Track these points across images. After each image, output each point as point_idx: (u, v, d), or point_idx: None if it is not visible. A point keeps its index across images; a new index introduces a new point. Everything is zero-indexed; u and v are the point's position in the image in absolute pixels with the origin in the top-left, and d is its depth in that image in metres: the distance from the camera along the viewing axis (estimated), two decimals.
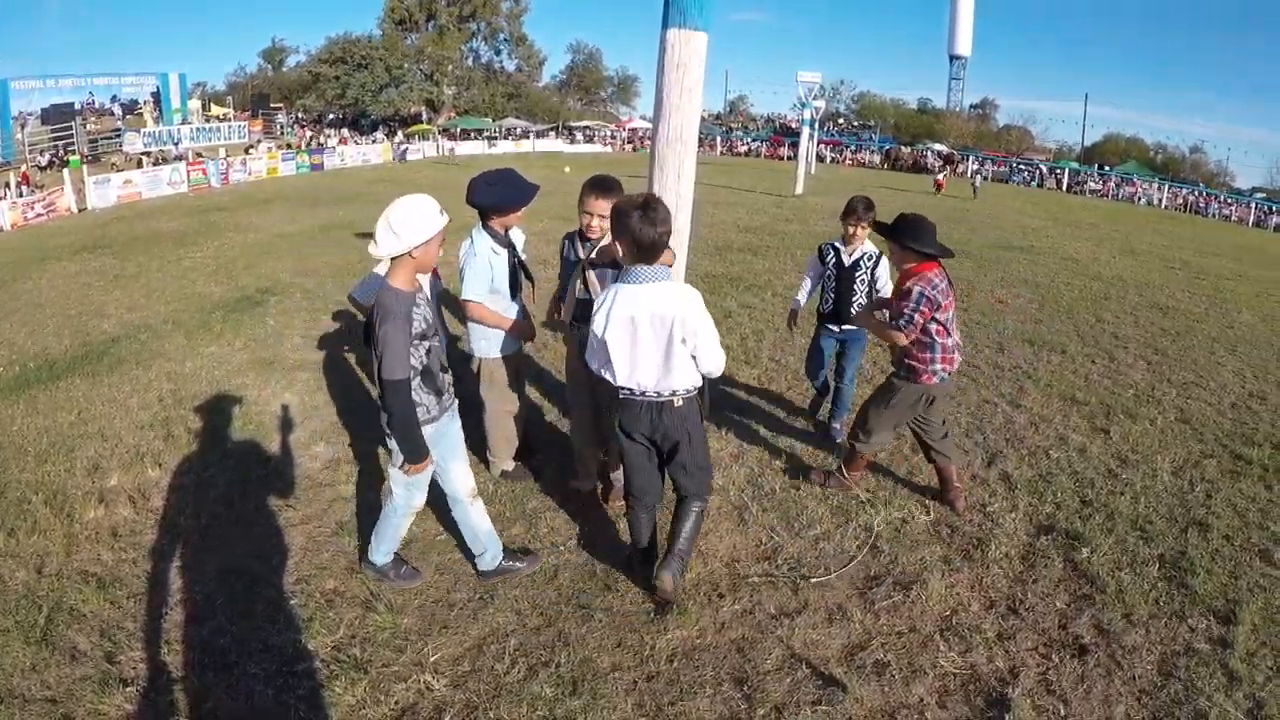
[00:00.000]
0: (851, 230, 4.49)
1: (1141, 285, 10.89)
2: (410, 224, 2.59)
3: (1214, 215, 38.54)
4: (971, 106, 66.41)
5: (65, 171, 17.83)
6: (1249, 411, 5.70)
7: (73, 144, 27.19)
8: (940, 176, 31.46)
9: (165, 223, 13.87)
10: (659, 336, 2.76)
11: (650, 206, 2.72)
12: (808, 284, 4.82)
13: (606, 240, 3.36)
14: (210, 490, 3.86)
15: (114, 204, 18.22)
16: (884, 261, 4.49)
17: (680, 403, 2.90)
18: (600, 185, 3.46)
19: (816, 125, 31.31)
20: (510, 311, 3.75)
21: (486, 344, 3.79)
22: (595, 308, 2.88)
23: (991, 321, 7.94)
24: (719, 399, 5.31)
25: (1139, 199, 41.17)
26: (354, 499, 3.86)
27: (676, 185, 3.65)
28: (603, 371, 2.92)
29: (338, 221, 13.59)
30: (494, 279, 3.61)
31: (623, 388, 2.89)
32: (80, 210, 17.24)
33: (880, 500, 4.04)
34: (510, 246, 3.71)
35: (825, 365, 4.89)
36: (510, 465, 4.06)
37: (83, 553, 3.32)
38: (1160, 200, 40.57)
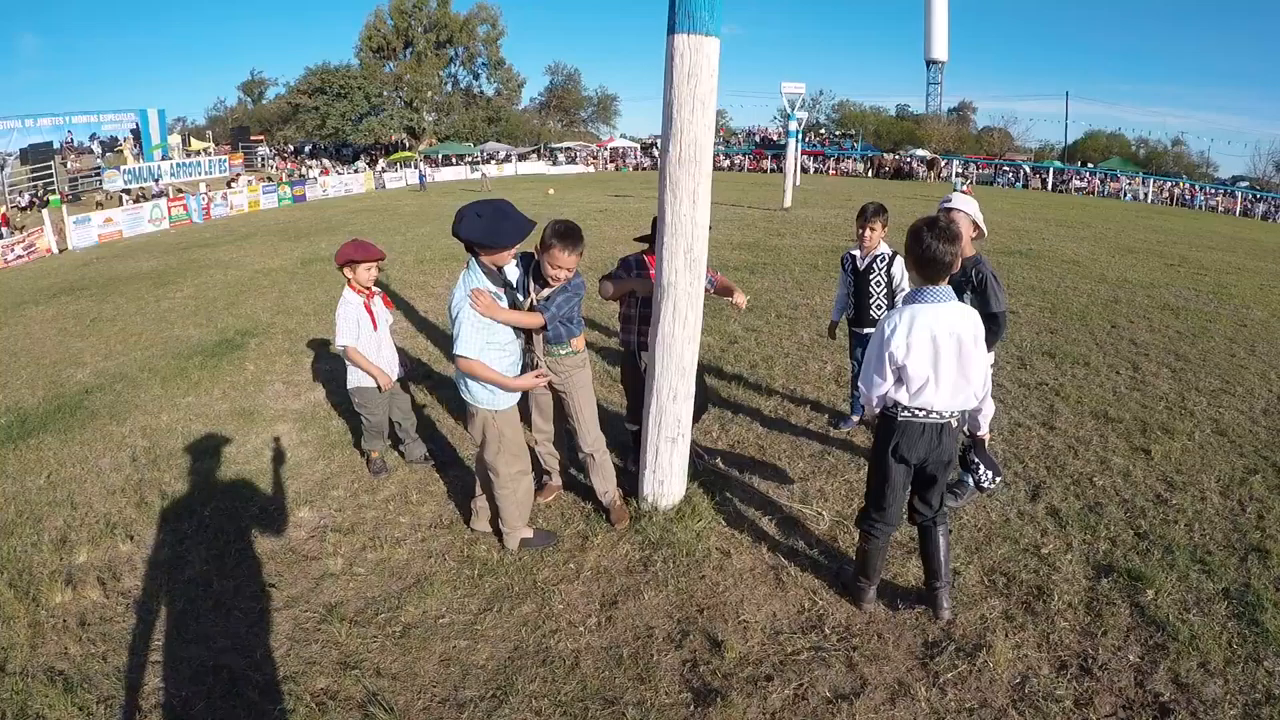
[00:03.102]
0: (862, 233, 4.60)
1: (1147, 286, 10.70)
2: None
3: (1200, 206, 38.82)
4: (950, 110, 67.00)
5: (45, 212, 17.37)
6: None
7: (52, 183, 26.70)
8: (965, 186, 33.21)
9: (145, 262, 13.48)
10: (955, 355, 2.78)
11: (941, 226, 2.76)
12: (840, 293, 4.98)
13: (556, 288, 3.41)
14: (186, 569, 3.49)
15: (95, 243, 17.82)
16: (898, 260, 4.54)
17: (956, 424, 2.96)
18: (569, 238, 3.30)
19: (801, 138, 31.29)
20: (514, 357, 3.35)
21: (490, 396, 3.31)
22: (890, 332, 2.79)
23: (1008, 334, 7.64)
24: (742, 438, 5.01)
25: (1125, 194, 41.36)
26: (343, 574, 3.47)
27: (692, 212, 3.33)
28: (882, 393, 2.89)
29: (319, 254, 13.22)
30: (493, 329, 3.20)
31: (910, 408, 2.86)
32: (61, 250, 16.81)
33: None
34: (508, 285, 3.33)
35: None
36: (529, 532, 3.64)
37: (49, 645, 2.99)
38: (1146, 195, 40.72)
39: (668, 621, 3.14)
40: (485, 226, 3.10)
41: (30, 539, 3.78)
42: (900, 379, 2.82)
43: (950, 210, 3.80)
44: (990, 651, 2.96)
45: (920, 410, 2.86)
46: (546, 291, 3.40)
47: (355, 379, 4.30)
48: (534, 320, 3.33)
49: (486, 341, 3.18)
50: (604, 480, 3.78)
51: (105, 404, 5.74)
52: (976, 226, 3.80)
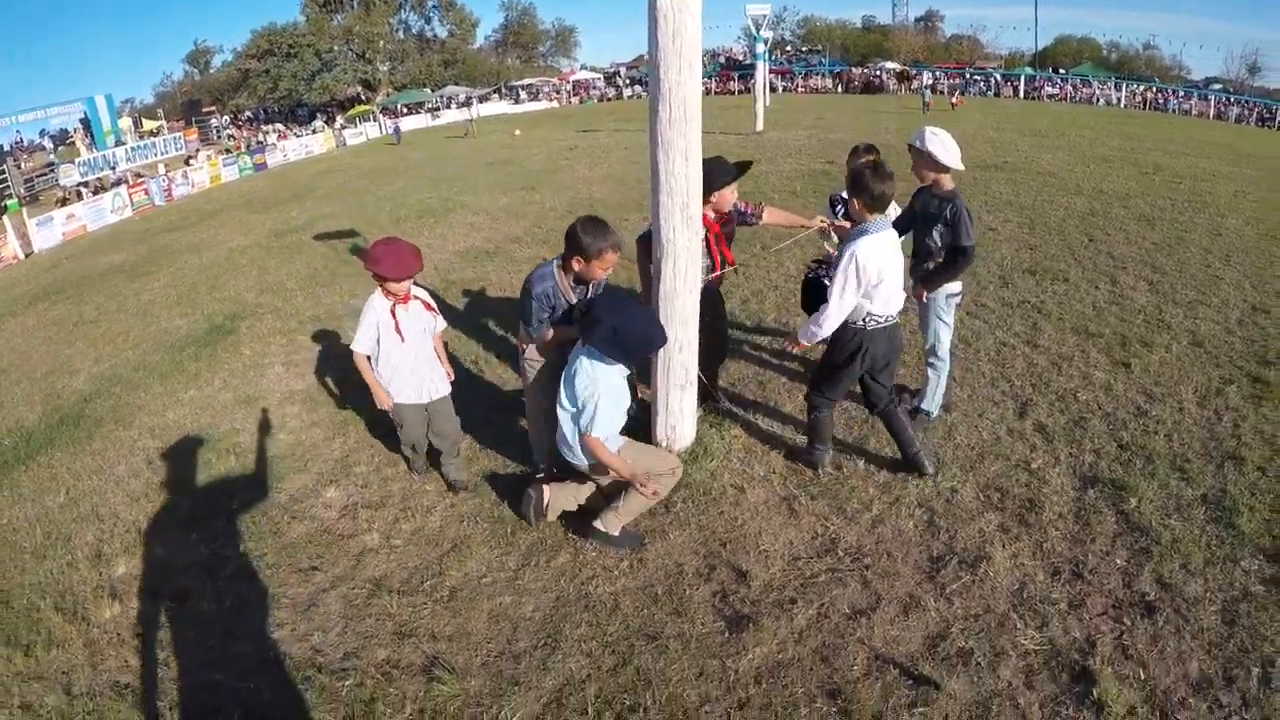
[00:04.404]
0: None
1: (1123, 196, 10.82)
2: None
3: (1174, 111, 38.60)
4: (917, 20, 65.74)
5: (4, 218, 16.69)
6: (1256, 328, 5.69)
7: (8, 187, 25.59)
8: (955, 98, 34.58)
9: (115, 255, 13.11)
10: (899, 269, 3.47)
11: (881, 166, 3.39)
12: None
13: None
14: (226, 565, 3.57)
15: (60, 242, 17.20)
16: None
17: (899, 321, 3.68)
18: (614, 235, 3.32)
19: (768, 57, 30.58)
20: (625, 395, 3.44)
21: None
22: (855, 261, 3.31)
23: (988, 252, 7.81)
24: (742, 374, 5.17)
25: (1098, 100, 41.03)
26: (382, 548, 3.63)
27: (685, 169, 3.41)
28: (851, 308, 3.45)
29: (291, 225, 12.98)
30: (619, 392, 3.30)
31: (878, 317, 3.48)
32: (27, 255, 16.21)
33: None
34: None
35: None
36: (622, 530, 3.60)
37: (109, 661, 3.03)
38: (1119, 100, 40.43)
39: (694, 558, 3.37)
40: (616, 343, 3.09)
41: (65, 558, 3.76)
42: (869, 295, 3.41)
43: (911, 149, 3.92)
44: (990, 562, 3.22)
45: (884, 317, 3.50)
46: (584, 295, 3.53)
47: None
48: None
49: (614, 403, 3.21)
50: None
51: (107, 410, 5.65)
52: (938, 164, 3.81)
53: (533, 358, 3.70)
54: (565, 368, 3.38)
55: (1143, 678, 2.64)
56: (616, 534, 3.44)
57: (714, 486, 3.84)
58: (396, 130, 33.83)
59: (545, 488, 3.57)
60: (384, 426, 3.62)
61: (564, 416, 3.30)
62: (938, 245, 3.91)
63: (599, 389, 3.10)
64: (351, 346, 3.69)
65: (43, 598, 3.44)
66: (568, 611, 3.09)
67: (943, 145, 3.80)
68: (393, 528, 3.77)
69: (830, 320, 3.48)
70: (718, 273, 4.06)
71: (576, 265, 3.31)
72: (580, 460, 3.35)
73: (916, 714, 2.55)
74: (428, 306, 3.79)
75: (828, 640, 2.87)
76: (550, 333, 3.53)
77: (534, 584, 3.27)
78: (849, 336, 3.57)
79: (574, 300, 3.46)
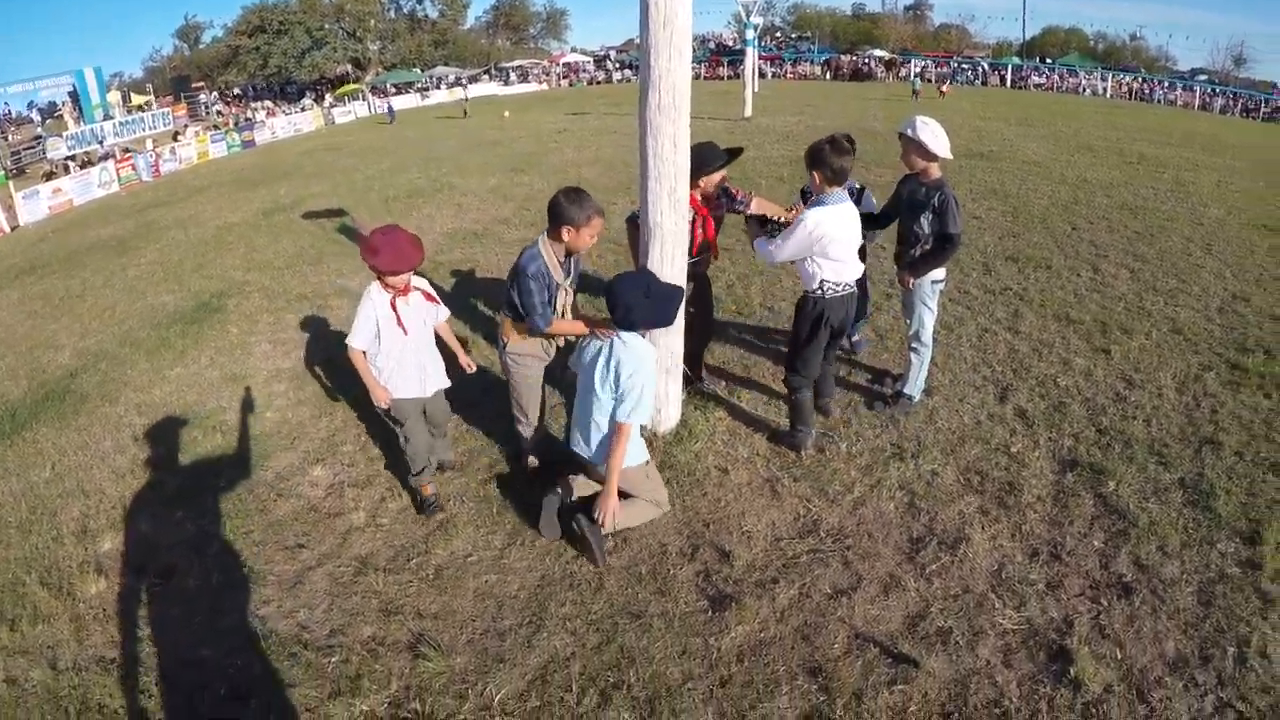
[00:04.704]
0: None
1: (1106, 185, 10.91)
2: None
3: (1159, 101, 38.85)
4: (906, 8, 65.62)
5: None
6: (1236, 316, 5.78)
7: None
8: (944, 86, 34.98)
9: (102, 229, 12.94)
10: (855, 240, 3.68)
11: (838, 142, 3.50)
12: None
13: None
14: (212, 542, 3.58)
15: (47, 215, 16.96)
16: (867, 191, 4.97)
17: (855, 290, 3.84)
18: (596, 203, 3.31)
19: (758, 43, 30.55)
20: None
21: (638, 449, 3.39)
22: (804, 225, 3.52)
23: (972, 240, 7.87)
24: (727, 358, 5.20)
25: (1084, 90, 41.23)
26: (368, 526, 3.65)
27: (674, 155, 3.43)
28: (784, 260, 3.72)
29: (280, 204, 12.86)
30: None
31: (838, 284, 3.67)
32: (13, 229, 15.95)
33: (907, 453, 3.99)
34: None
35: None
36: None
37: (94, 636, 3.03)
38: (1105, 90, 40.65)
39: (678, 538, 3.42)
40: (653, 307, 3.20)
41: (50, 534, 3.76)
42: (820, 261, 3.61)
43: (901, 137, 3.95)
44: (969, 543, 3.29)
45: (840, 285, 3.68)
46: (570, 270, 3.48)
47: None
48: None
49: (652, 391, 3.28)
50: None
51: (93, 385, 5.63)
52: (928, 152, 3.84)
53: (519, 351, 3.56)
54: (578, 356, 3.39)
55: (1119, 657, 2.70)
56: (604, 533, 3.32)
57: (698, 468, 3.88)
58: (390, 109, 33.49)
59: (570, 481, 3.55)
60: (370, 405, 3.59)
61: (598, 407, 3.20)
62: (925, 232, 3.95)
63: (646, 372, 3.11)
64: (347, 341, 3.39)
65: (28, 573, 3.44)
66: (553, 590, 3.12)
67: (933, 134, 3.82)
68: (379, 506, 3.79)
69: (767, 249, 3.76)
70: (695, 255, 4.05)
71: (567, 236, 3.22)
72: (594, 453, 3.28)
73: (896, 691, 2.60)
74: (428, 297, 3.57)
75: (809, 619, 2.92)
76: (561, 324, 3.42)
77: (519, 563, 3.31)
78: (810, 306, 3.75)
79: (561, 280, 3.37)
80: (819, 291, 3.68)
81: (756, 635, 2.85)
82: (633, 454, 3.24)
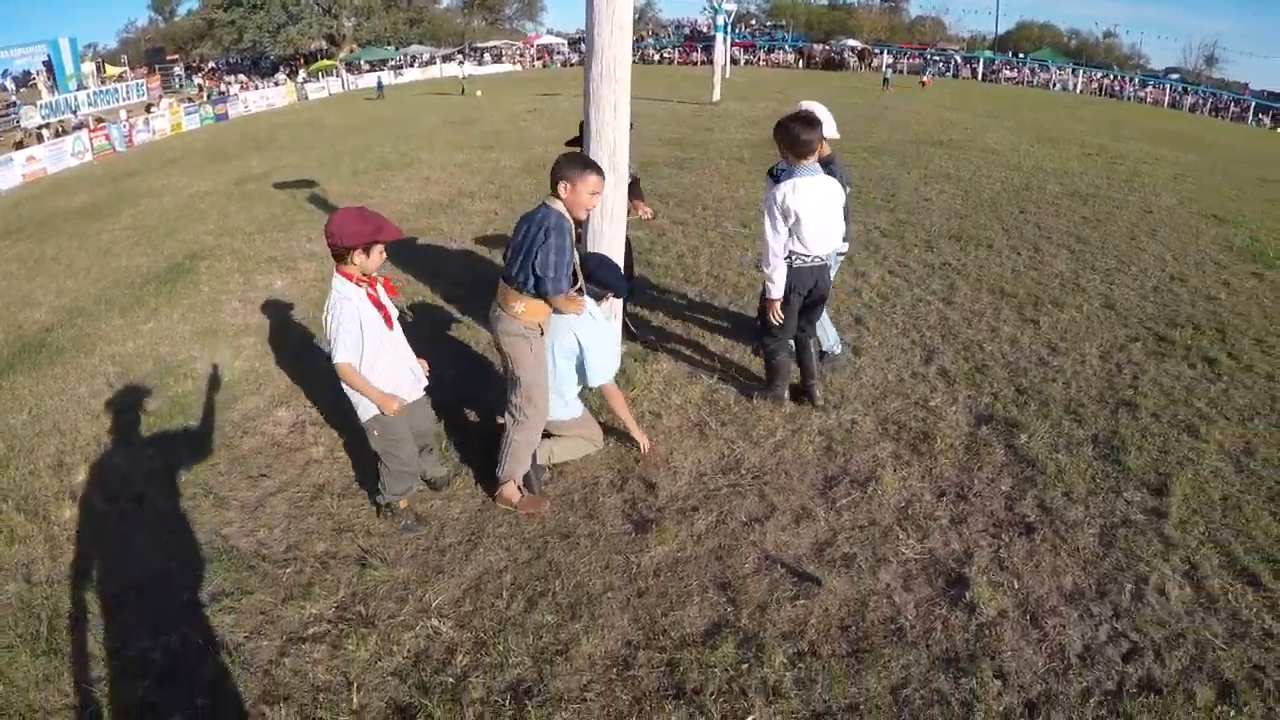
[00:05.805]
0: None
1: (1061, 174, 11.24)
2: None
3: (1130, 98, 39.47)
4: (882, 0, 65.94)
5: None
6: (1170, 294, 6.07)
7: None
8: (925, 77, 35.84)
9: (76, 197, 12.94)
10: (829, 213, 3.76)
11: (805, 117, 3.65)
12: None
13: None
14: (180, 473, 3.80)
15: (20, 184, 16.87)
16: (835, 160, 5.08)
17: (827, 264, 3.96)
18: (595, 165, 3.13)
19: (729, 30, 30.72)
20: None
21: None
22: (774, 198, 3.66)
23: (918, 219, 8.18)
24: (671, 319, 5.47)
25: (1054, 85, 41.82)
26: (326, 459, 3.89)
27: (614, 119, 3.68)
28: (783, 247, 3.77)
29: (252, 174, 12.92)
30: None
31: (806, 255, 3.79)
32: None
33: (830, 404, 4.29)
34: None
35: None
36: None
37: (67, 555, 3.24)
38: (1076, 85, 41.24)
39: (609, 472, 3.71)
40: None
41: (27, 468, 3.92)
42: (793, 233, 3.73)
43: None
44: (880, 483, 3.57)
45: (810, 256, 3.80)
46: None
47: (369, 408, 3.06)
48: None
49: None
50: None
51: (69, 339, 5.78)
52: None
53: (534, 323, 3.22)
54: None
55: (1016, 587, 2.87)
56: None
57: (634, 413, 4.12)
58: (379, 84, 33.44)
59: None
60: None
61: (566, 367, 3.51)
62: None
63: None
64: (335, 360, 2.88)
65: (4, 500, 3.63)
66: (490, 514, 3.41)
67: (824, 111, 4.02)
68: (338, 443, 4.04)
69: (771, 257, 3.79)
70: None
71: (564, 192, 3.01)
72: (569, 413, 3.63)
73: (799, 606, 2.85)
74: (390, 288, 3.13)
75: (723, 542, 3.21)
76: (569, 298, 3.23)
77: (462, 490, 3.59)
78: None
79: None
80: (787, 261, 3.81)
81: (674, 554, 3.14)
82: (574, 409, 3.62)
